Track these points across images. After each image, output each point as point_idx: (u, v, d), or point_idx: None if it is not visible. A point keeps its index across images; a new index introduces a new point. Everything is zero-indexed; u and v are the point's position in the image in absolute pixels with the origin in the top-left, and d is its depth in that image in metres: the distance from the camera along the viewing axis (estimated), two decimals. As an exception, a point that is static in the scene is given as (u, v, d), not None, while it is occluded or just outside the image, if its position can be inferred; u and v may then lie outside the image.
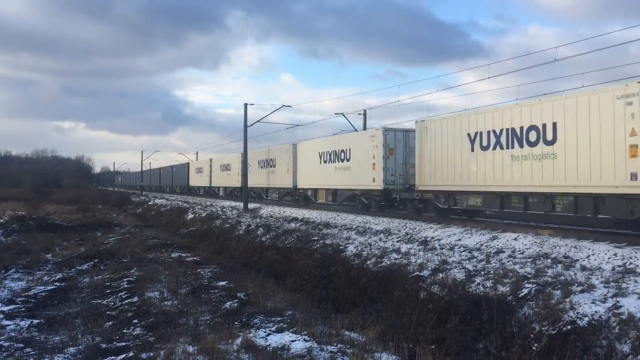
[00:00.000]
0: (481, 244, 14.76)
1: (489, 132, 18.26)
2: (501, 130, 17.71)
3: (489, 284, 10.85)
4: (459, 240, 15.73)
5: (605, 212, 14.88)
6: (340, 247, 16.54)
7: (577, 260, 11.78)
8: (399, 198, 23.65)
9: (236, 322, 8.50)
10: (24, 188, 77.22)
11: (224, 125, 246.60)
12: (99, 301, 11.06)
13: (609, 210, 14.77)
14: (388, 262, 13.97)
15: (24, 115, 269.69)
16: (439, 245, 15.21)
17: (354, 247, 16.20)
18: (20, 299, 11.69)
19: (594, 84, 17.46)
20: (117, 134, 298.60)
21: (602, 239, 13.63)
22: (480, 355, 9.07)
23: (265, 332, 7.84)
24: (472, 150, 18.91)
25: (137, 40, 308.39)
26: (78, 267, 15.33)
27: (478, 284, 11.05)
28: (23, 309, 10.91)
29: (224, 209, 34.91)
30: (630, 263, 10.96)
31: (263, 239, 21.24)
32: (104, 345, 7.89)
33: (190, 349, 7.11)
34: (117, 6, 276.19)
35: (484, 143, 18.42)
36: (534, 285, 10.14)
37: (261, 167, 39.94)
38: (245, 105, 36.28)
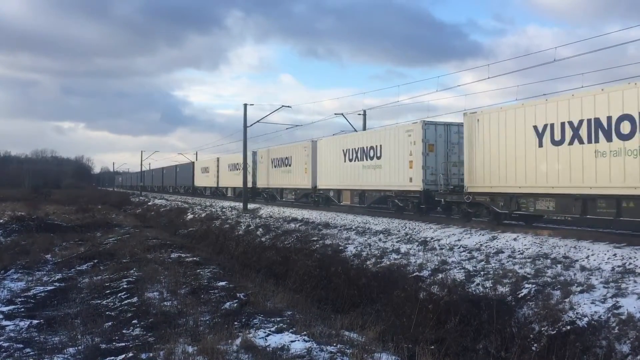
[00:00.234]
0: (481, 244, 14.76)
1: (563, 124, 15.44)
2: (580, 122, 14.90)
3: (488, 284, 10.86)
4: (459, 240, 15.73)
5: None
6: (340, 248, 16.54)
7: (577, 260, 11.79)
8: (444, 201, 20.59)
9: (236, 323, 8.50)
10: (23, 188, 77.16)
11: (223, 126, 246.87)
12: (99, 301, 11.05)
13: None
14: (388, 263, 13.97)
15: (23, 116, 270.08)
16: (439, 246, 15.21)
17: (354, 248, 16.21)
18: (19, 300, 11.67)
19: (593, 84, 17.27)
20: (117, 135, 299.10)
21: (601, 239, 13.62)
22: (479, 355, 9.07)
23: (265, 332, 7.84)
24: (541, 145, 16.13)
25: (136, 40, 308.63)
26: (77, 268, 15.30)
27: (478, 284, 11.06)
28: (22, 309, 10.89)
29: (224, 210, 34.91)
30: (630, 263, 10.97)
31: (263, 239, 21.25)
32: (103, 346, 7.89)
33: (190, 349, 7.11)
34: (117, 6, 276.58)
35: (557, 137, 15.62)
36: (534, 286, 10.15)
37: (275, 167, 37.53)
38: (245, 105, 36.31)
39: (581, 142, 14.89)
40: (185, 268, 13.64)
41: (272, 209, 32.14)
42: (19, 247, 19.25)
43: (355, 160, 26.71)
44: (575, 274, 10.57)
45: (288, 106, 36.69)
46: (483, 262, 12.60)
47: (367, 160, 25.54)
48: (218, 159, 53.30)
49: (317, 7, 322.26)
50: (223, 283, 11.88)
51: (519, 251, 13.44)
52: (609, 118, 14.18)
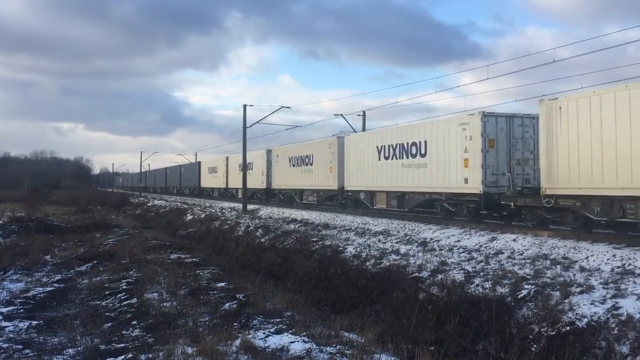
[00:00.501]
0: (480, 245, 14.77)
1: None
2: None
3: (488, 285, 10.86)
4: (458, 241, 15.74)
5: None
6: (340, 248, 16.55)
7: (576, 261, 11.80)
8: (513, 205, 17.31)
9: (235, 324, 8.50)
10: (22, 189, 77.10)
11: (223, 126, 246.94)
12: (98, 302, 11.05)
13: None
14: (387, 263, 13.97)
15: (22, 116, 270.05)
16: (438, 247, 15.22)
17: (353, 248, 16.21)
18: (19, 300, 11.66)
19: (593, 85, 17.08)
20: (116, 135, 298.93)
21: (601, 240, 13.64)
22: (479, 356, 9.07)
23: (265, 333, 7.84)
24: None
25: (135, 41, 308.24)
26: (77, 269, 15.29)
27: (477, 285, 11.06)
28: (22, 310, 10.88)
29: (223, 210, 34.92)
30: (629, 264, 10.98)
31: (262, 240, 21.24)
32: (103, 347, 7.89)
33: (189, 350, 7.11)
34: (116, 7, 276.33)
35: None
36: (533, 287, 10.15)
37: (293, 166, 34.67)
38: (245, 106, 36.31)
39: None
40: (184, 269, 13.64)
41: (271, 210, 32.15)
42: (18, 248, 19.24)
43: (392, 158, 23.69)
44: (574, 275, 10.58)
45: (287, 107, 36.68)
46: (482, 263, 12.60)
47: (408, 158, 22.62)
48: (227, 159, 50.33)
49: (317, 8, 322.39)
50: (222, 284, 11.87)
51: (518, 252, 13.45)
52: None
